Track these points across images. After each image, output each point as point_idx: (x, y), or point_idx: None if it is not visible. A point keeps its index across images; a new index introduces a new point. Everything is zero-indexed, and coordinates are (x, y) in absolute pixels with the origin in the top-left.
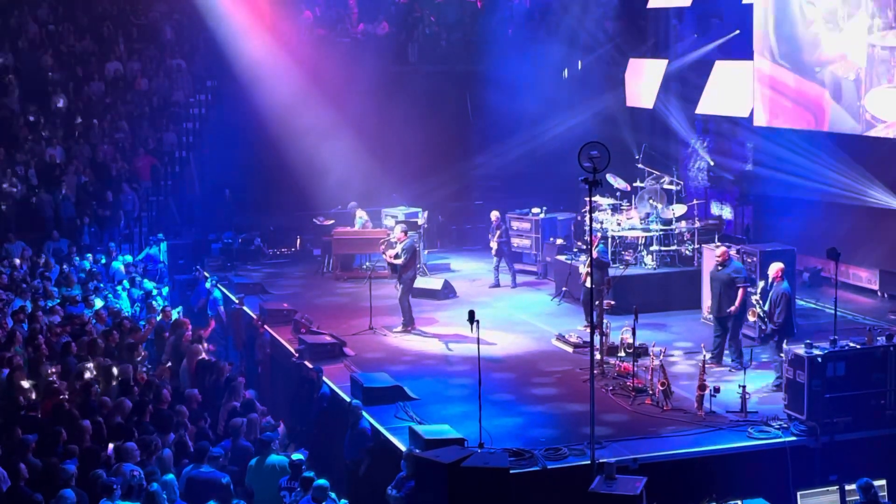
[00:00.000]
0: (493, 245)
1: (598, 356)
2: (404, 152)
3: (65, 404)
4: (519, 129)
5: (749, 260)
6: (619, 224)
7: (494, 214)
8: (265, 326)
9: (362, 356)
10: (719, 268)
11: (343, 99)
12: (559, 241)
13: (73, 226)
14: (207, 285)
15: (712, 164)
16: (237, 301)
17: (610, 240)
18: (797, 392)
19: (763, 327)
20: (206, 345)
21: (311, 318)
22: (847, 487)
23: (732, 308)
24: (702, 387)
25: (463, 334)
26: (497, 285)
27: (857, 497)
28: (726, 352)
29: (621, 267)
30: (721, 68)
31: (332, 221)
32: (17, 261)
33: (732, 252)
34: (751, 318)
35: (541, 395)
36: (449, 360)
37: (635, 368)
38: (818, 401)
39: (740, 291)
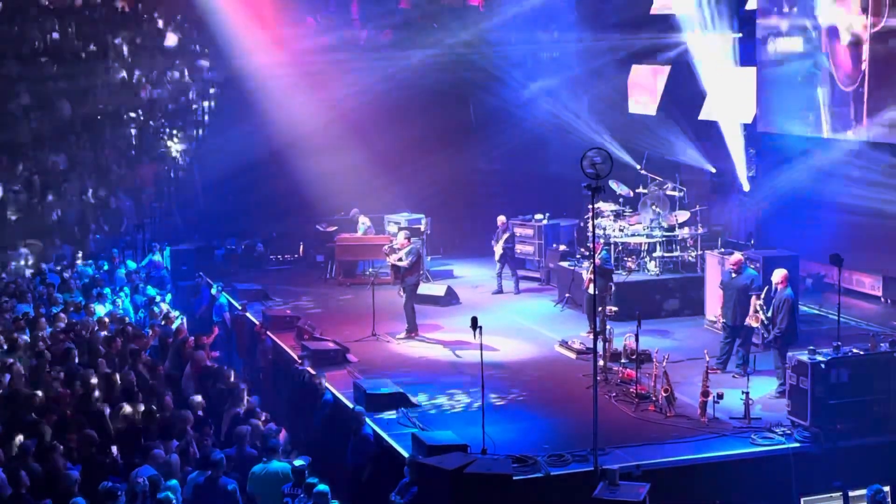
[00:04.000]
0: (498, 250)
1: (601, 362)
2: (407, 158)
3: (67, 411)
4: (522, 135)
5: (752, 266)
6: (621, 230)
7: (501, 219)
8: (267, 333)
9: (365, 363)
10: (734, 275)
11: (345, 105)
12: (562, 248)
13: (77, 232)
14: (213, 291)
15: (714, 170)
16: (240, 307)
17: (613, 246)
18: (800, 398)
19: (765, 334)
20: (209, 351)
21: (314, 325)
22: (851, 494)
23: (748, 319)
24: (705, 393)
25: (466, 340)
26: (500, 291)
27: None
28: (732, 358)
29: (624, 273)
30: (723, 74)
31: (335, 228)
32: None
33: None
34: (754, 324)
35: (544, 401)
36: (452, 366)
37: (638, 375)
38: (821, 407)
39: (753, 300)
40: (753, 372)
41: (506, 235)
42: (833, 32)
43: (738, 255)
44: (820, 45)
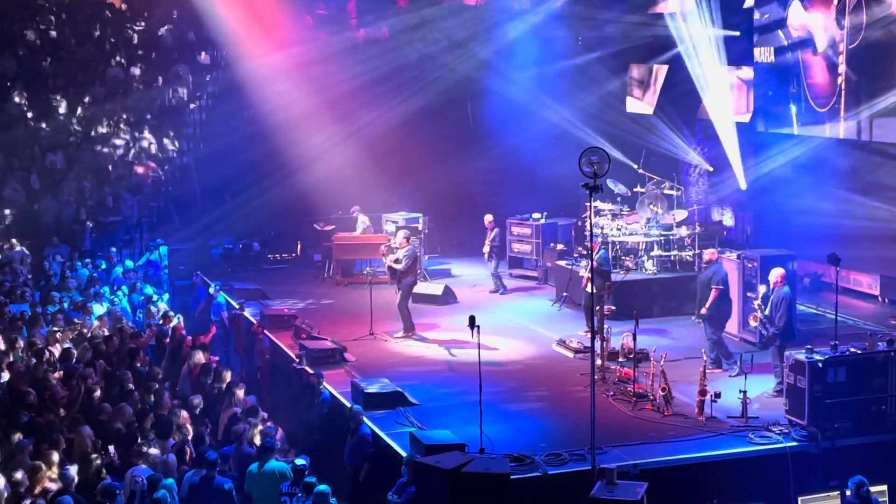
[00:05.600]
0: (486, 249)
1: (598, 361)
2: (405, 157)
3: (65, 410)
4: (520, 133)
5: (750, 265)
6: (619, 229)
7: (488, 218)
8: (265, 332)
9: (363, 362)
10: (704, 269)
11: (343, 104)
12: (560, 247)
13: (74, 231)
14: (211, 290)
15: (711, 169)
16: (237, 307)
17: (611, 245)
18: (798, 397)
19: (764, 332)
20: (207, 351)
21: (312, 324)
22: (848, 493)
23: (703, 310)
24: (702, 392)
25: (464, 339)
26: (499, 290)
27: (851, 497)
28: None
29: (622, 272)
30: (721, 74)
31: (332, 227)
32: (18, 265)
33: (732, 256)
34: (752, 323)
35: (542, 400)
36: (450, 365)
37: (636, 374)
38: (819, 406)
39: (712, 293)
40: (751, 370)
41: (492, 234)
42: (806, 44)
43: (711, 251)
44: (792, 56)
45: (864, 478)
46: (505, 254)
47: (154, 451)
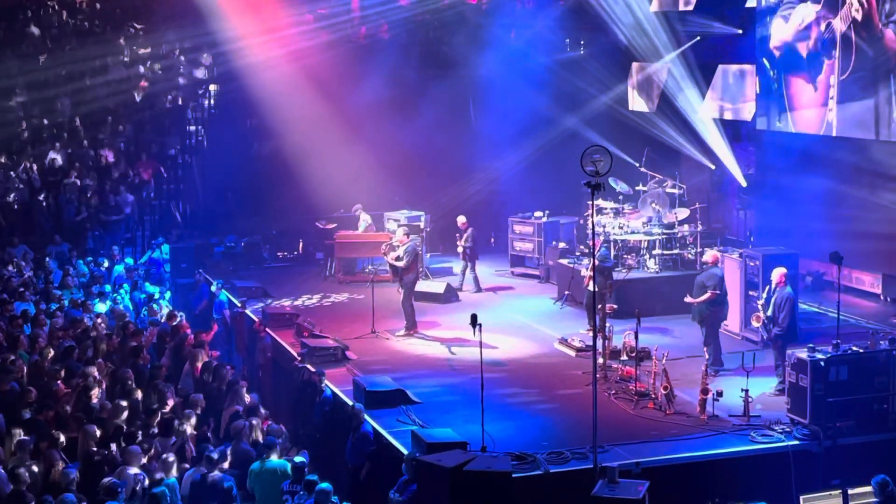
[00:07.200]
0: (459, 249)
1: (600, 360)
2: (407, 156)
3: (67, 408)
4: (522, 132)
5: (752, 264)
6: (621, 228)
7: (461, 220)
8: (266, 330)
9: (365, 360)
10: (703, 269)
11: (345, 103)
12: (562, 245)
13: (76, 229)
14: (213, 288)
15: (714, 167)
16: (239, 304)
17: (612, 243)
18: (800, 396)
19: (765, 334)
20: (208, 349)
21: (314, 322)
22: (850, 492)
23: (688, 298)
24: (704, 391)
25: (465, 338)
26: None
27: (875, 497)
28: (729, 355)
29: (624, 271)
30: (724, 72)
31: (334, 225)
32: (11, 267)
33: (734, 256)
34: (755, 324)
35: (543, 398)
36: (451, 363)
37: (638, 372)
38: (821, 405)
39: (706, 295)
40: (753, 369)
41: (465, 235)
42: (791, 64)
43: (712, 253)
44: (777, 88)
45: (887, 477)
46: (477, 254)
47: (134, 448)
